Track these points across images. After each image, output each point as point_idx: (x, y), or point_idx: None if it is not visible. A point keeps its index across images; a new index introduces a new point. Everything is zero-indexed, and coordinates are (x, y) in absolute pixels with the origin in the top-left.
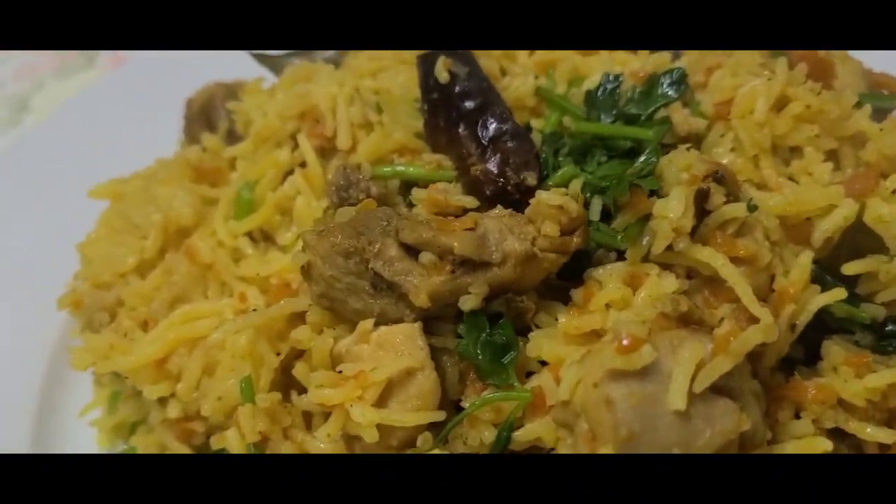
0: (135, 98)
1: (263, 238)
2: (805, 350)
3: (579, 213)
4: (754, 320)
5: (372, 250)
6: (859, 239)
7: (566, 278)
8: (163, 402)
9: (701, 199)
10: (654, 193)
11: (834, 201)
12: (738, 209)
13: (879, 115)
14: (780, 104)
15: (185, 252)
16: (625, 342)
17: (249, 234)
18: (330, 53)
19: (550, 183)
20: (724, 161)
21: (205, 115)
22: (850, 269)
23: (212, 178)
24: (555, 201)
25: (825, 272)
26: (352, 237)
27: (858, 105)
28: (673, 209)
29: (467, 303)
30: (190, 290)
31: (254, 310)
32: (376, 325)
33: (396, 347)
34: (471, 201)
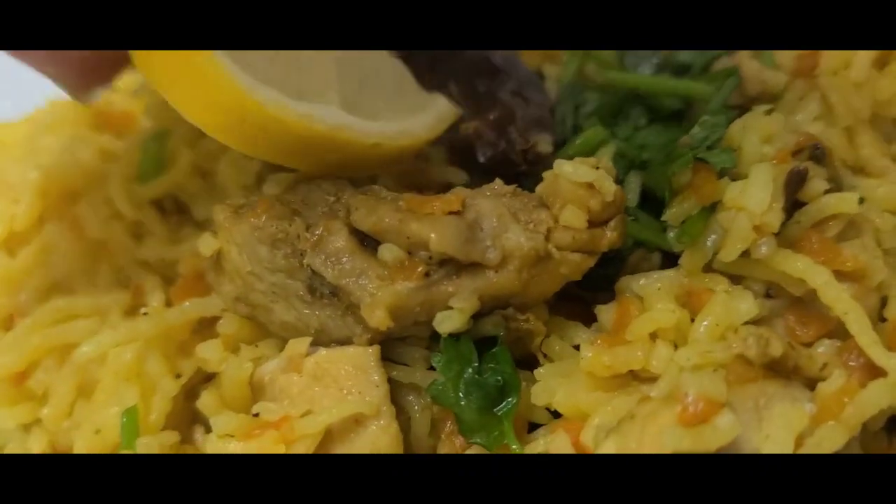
0: None
1: (177, 209)
2: None
3: (617, 196)
4: (874, 371)
5: (310, 238)
6: None
7: (590, 288)
8: (28, 428)
9: (795, 184)
10: (725, 173)
11: None
12: (845, 201)
13: None
14: (884, 59)
15: (69, 224)
16: (692, 408)
17: (158, 204)
18: None
19: (570, 151)
20: None
21: None
22: None
23: (120, 125)
24: (583, 177)
25: None
26: (283, 218)
27: None
28: (755, 197)
29: (447, 322)
30: (73, 276)
31: (144, 312)
32: (314, 345)
33: (341, 382)
34: (457, 173)
